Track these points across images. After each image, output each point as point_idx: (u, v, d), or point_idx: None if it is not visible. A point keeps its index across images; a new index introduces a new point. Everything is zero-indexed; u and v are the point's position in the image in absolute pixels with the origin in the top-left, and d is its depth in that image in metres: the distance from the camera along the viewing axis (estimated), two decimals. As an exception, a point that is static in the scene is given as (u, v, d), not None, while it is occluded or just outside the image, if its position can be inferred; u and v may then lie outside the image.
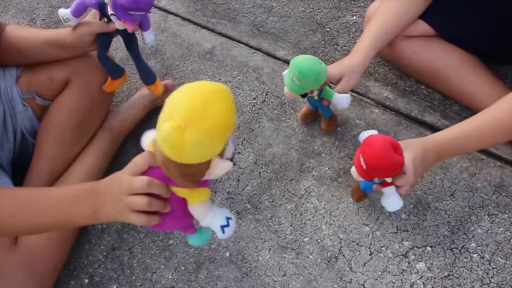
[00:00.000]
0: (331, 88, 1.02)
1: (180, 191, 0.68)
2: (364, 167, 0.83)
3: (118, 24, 0.94)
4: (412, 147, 0.86)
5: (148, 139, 0.69)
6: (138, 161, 0.67)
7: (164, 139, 0.56)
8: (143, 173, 0.68)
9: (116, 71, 1.05)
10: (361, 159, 0.84)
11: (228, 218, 0.70)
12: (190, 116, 0.55)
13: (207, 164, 0.61)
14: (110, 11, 0.90)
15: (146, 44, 1.03)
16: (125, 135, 1.17)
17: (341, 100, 1.00)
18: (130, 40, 1.02)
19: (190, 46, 1.34)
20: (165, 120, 0.56)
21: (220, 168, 0.62)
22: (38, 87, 1.04)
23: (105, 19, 0.95)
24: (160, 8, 1.45)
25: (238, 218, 1.03)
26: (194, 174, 0.62)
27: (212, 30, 1.38)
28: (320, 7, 1.36)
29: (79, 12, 0.94)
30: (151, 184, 0.66)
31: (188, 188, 0.66)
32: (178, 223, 0.73)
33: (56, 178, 1.04)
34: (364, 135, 0.90)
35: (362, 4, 1.34)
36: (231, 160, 0.64)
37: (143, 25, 0.99)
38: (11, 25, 1.02)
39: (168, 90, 1.19)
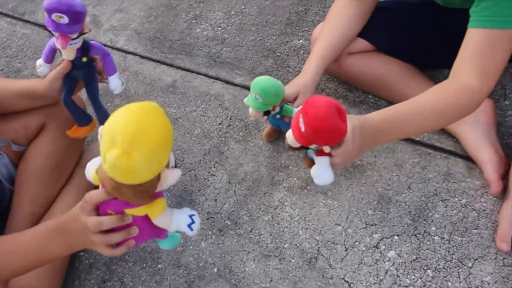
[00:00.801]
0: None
1: (138, 211, 0.71)
2: (303, 129, 0.75)
3: (60, 49, 0.93)
4: (352, 119, 0.84)
5: (91, 170, 0.73)
6: (83, 203, 0.72)
7: (113, 167, 0.59)
8: (97, 207, 0.72)
9: (81, 118, 1.05)
10: (301, 120, 0.76)
11: (191, 216, 0.73)
12: (132, 139, 0.58)
13: (157, 178, 0.65)
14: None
15: (112, 91, 1.02)
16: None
17: None
18: (89, 81, 1.01)
19: (152, 81, 1.42)
20: (109, 149, 0.59)
21: (171, 177, 0.66)
22: (13, 135, 1.06)
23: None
24: (119, 49, 1.52)
25: (221, 235, 1.10)
26: (148, 190, 0.66)
27: (171, 65, 1.46)
28: (269, 35, 1.48)
29: (48, 57, 0.99)
30: (101, 224, 0.71)
31: (145, 204, 0.70)
32: (149, 236, 0.77)
33: (38, 219, 1.06)
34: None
35: (306, 29, 1.48)
36: (175, 166, 0.68)
37: (107, 69, 1.00)
38: None
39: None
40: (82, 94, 1.09)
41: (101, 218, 0.71)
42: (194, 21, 1.57)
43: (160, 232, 0.78)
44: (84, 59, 0.96)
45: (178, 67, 1.45)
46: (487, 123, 1.10)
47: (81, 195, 1.10)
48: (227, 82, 1.39)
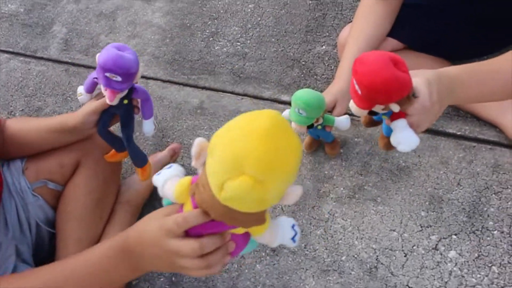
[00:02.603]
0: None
1: (240, 230, 0.63)
2: (359, 91, 0.68)
3: (107, 100, 0.90)
4: (424, 72, 0.75)
5: (170, 185, 0.63)
6: (173, 227, 0.62)
7: (241, 198, 0.51)
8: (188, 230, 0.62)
9: (118, 145, 1.03)
10: (355, 82, 0.69)
11: (293, 226, 0.66)
12: (266, 165, 0.49)
13: None
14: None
15: (144, 133, 1.01)
16: (142, 204, 1.19)
17: (342, 122, 1.09)
18: (126, 122, 0.98)
19: (179, 105, 1.40)
20: (232, 176, 0.50)
21: (293, 197, 0.57)
22: (48, 175, 1.04)
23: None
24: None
25: (275, 255, 1.08)
26: (263, 213, 0.59)
27: (196, 86, 1.44)
28: (290, 44, 1.47)
29: (89, 88, 0.98)
30: (203, 248, 0.61)
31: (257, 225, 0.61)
32: (240, 250, 0.69)
33: (85, 260, 1.05)
34: None
35: (327, 34, 1.46)
36: None
37: (144, 112, 0.98)
38: (10, 119, 1.04)
39: (175, 154, 1.24)
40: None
41: (203, 241, 0.60)
42: (211, 38, 1.55)
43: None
44: (125, 101, 0.94)
45: (203, 88, 1.43)
46: (530, 110, 1.09)
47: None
48: (255, 97, 1.37)
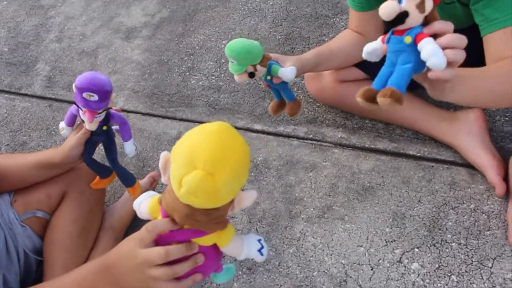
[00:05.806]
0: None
1: (207, 240, 0.67)
2: None
3: (85, 121, 0.97)
4: None
5: (144, 204, 0.71)
6: (144, 234, 0.67)
7: (196, 190, 0.56)
8: (157, 239, 0.68)
9: (103, 171, 1.10)
10: None
11: (259, 240, 0.71)
12: (215, 159, 0.56)
13: (230, 202, 0.64)
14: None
15: (126, 155, 1.10)
16: (125, 229, 1.25)
17: (285, 72, 1.06)
18: (108, 147, 1.07)
19: (158, 136, 1.48)
20: (188, 171, 0.56)
21: (248, 199, 0.65)
22: (37, 206, 1.09)
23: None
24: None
25: (251, 273, 1.14)
26: (223, 215, 0.64)
27: (173, 118, 1.52)
28: (262, 77, 1.57)
29: (70, 122, 1.05)
30: (169, 253, 0.66)
31: (218, 231, 0.66)
32: (212, 268, 0.73)
33: (71, 287, 1.09)
34: None
35: (296, 66, 1.57)
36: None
37: (123, 135, 1.06)
38: None
39: (154, 181, 1.31)
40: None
41: (169, 247, 0.66)
42: (187, 73, 1.64)
43: (220, 266, 0.75)
44: (104, 128, 1.02)
45: (181, 119, 1.52)
46: (480, 131, 1.19)
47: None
48: (230, 126, 1.45)
